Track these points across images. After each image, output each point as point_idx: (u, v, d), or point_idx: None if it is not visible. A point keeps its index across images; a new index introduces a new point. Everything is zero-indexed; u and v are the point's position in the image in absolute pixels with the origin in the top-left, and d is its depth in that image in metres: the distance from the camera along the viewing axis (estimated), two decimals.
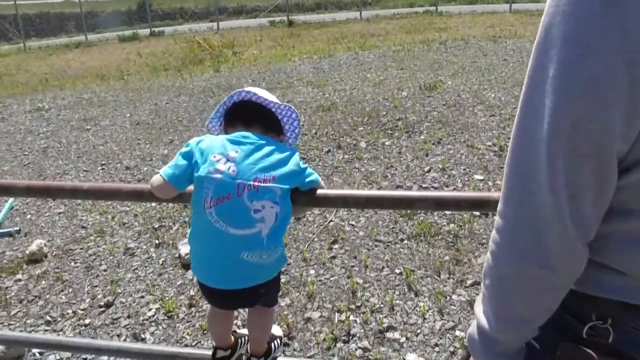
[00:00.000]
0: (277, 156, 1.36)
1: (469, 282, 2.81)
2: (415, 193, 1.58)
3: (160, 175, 1.36)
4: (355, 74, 8.29)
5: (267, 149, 1.36)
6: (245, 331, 1.80)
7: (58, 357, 2.49)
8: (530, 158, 0.67)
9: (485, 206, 1.48)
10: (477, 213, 3.45)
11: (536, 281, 0.71)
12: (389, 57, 9.45)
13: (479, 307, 0.83)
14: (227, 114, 1.51)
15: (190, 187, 1.38)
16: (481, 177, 4.06)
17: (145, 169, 5.02)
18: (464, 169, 4.25)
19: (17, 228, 3.95)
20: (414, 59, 8.95)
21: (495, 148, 4.58)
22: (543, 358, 0.83)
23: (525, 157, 0.68)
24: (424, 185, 4.06)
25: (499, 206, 0.74)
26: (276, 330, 1.91)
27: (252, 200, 1.29)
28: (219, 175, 1.30)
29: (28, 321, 2.83)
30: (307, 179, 1.40)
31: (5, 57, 16.86)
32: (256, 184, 1.29)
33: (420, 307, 2.63)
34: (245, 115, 1.48)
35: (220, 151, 1.34)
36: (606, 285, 0.74)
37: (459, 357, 2.28)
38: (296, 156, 1.41)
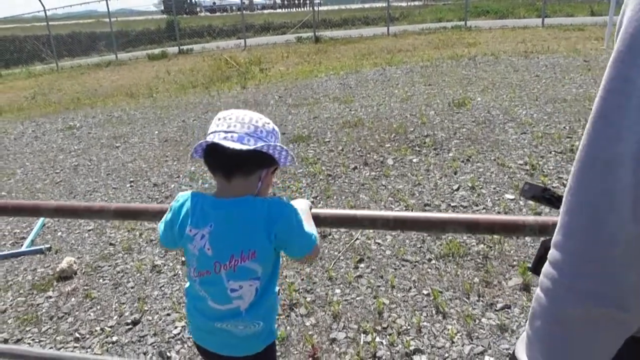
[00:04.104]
0: (258, 226, 1.20)
1: (499, 305, 2.72)
2: (445, 215, 1.53)
3: (159, 229, 1.37)
4: (382, 89, 8.27)
5: (245, 220, 1.21)
6: None
7: None
8: (606, 184, 0.59)
9: (519, 231, 1.43)
10: None
11: (604, 324, 0.63)
12: (417, 72, 9.41)
13: (522, 353, 0.75)
14: (205, 160, 1.30)
15: None
16: (512, 197, 3.96)
17: (173, 185, 5.08)
18: (494, 188, 4.16)
19: (48, 245, 4.03)
20: (442, 75, 8.89)
21: (527, 167, 4.48)
22: None
23: (598, 182, 0.60)
24: (452, 204, 3.99)
25: (557, 237, 0.67)
26: None
27: (229, 280, 1.22)
28: (196, 252, 1.24)
29: (58, 338, 2.86)
30: (299, 245, 1.25)
31: (38, 77, 17.46)
32: (232, 263, 1.21)
33: (449, 330, 2.56)
34: (222, 167, 1.25)
35: (195, 224, 1.24)
36: None
37: None
38: (288, 216, 1.23)
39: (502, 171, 4.44)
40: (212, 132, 1.23)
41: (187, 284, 1.35)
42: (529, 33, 14.35)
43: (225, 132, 1.21)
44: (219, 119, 1.24)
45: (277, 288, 1.36)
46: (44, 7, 20.66)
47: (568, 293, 0.65)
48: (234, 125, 1.21)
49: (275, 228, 1.21)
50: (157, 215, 1.78)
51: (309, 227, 1.30)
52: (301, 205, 1.45)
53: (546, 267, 0.68)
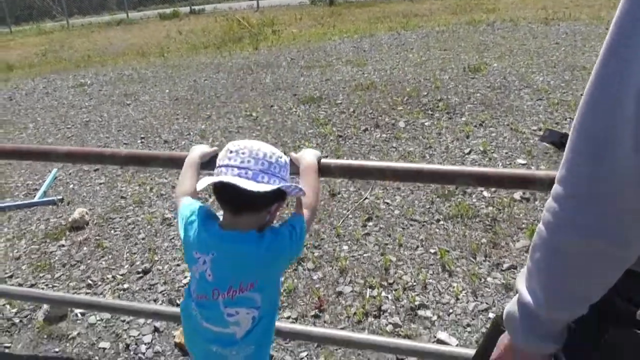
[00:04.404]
0: (259, 261, 1.20)
1: (505, 265, 2.73)
2: (456, 167, 1.53)
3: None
4: (397, 54, 8.14)
5: (246, 256, 1.19)
6: None
7: (98, 318, 2.57)
8: (610, 118, 0.59)
9: (529, 184, 1.42)
10: (517, 197, 3.35)
11: (602, 257, 0.65)
12: (433, 37, 9.23)
13: (522, 284, 0.77)
14: (214, 192, 1.24)
15: None
16: (524, 162, 3.93)
17: (183, 142, 5.09)
18: (506, 153, 4.12)
19: (61, 197, 4.08)
20: (459, 40, 8.71)
21: (541, 133, 4.43)
22: (584, 340, 0.78)
23: (603, 117, 0.60)
24: None
25: (560, 172, 0.67)
26: None
27: (227, 307, 1.21)
28: (197, 275, 1.24)
29: (70, 284, 2.93)
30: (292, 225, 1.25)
31: (49, 34, 17.37)
32: (230, 293, 1.20)
33: (454, 287, 2.59)
34: (231, 203, 1.21)
35: (199, 249, 1.23)
36: None
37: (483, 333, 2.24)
38: (287, 249, 1.22)
39: (515, 136, 4.40)
40: (223, 166, 1.17)
41: (184, 300, 1.34)
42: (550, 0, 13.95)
43: (239, 168, 1.15)
44: (231, 152, 1.18)
45: (276, 316, 1.34)
46: None
47: (568, 226, 0.66)
48: (247, 161, 1.16)
49: (276, 262, 1.24)
50: (167, 162, 1.79)
51: (308, 199, 1.32)
52: (309, 156, 1.44)
53: (549, 202, 0.69)
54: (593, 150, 0.62)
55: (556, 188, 0.68)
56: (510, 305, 0.79)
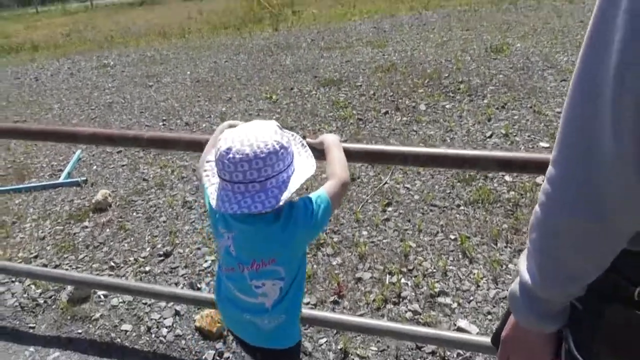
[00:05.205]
0: (276, 239, 1.20)
1: None
2: (478, 152, 1.50)
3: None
4: (417, 34, 8.00)
5: (263, 234, 1.19)
6: None
7: (121, 300, 2.62)
8: (592, 104, 0.61)
9: None
10: (540, 181, 3.29)
11: (591, 235, 0.66)
12: (454, 17, 9.04)
13: (523, 264, 0.79)
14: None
15: None
16: (547, 145, 3.86)
17: (204, 125, 5.11)
18: (529, 136, 4.05)
19: (84, 178, 4.15)
20: (481, 20, 8.52)
21: None
22: (587, 320, 0.79)
23: (586, 102, 0.62)
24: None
25: (553, 153, 0.69)
26: None
27: (252, 279, 1.23)
28: (222, 249, 1.27)
29: (94, 265, 2.99)
30: (317, 202, 1.22)
31: (74, 14, 17.50)
32: (254, 267, 1.22)
33: (475, 274, 2.57)
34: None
35: (223, 226, 1.24)
36: None
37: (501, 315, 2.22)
38: (306, 222, 1.20)
39: (538, 119, 4.31)
40: (226, 181, 1.13)
41: (217, 270, 1.38)
42: None
43: (244, 182, 1.11)
44: (226, 165, 1.11)
45: (304, 287, 1.36)
46: None
47: (558, 206, 0.68)
48: (250, 174, 1.10)
49: (293, 238, 1.22)
50: (189, 145, 1.80)
51: (334, 178, 1.30)
52: (330, 136, 1.44)
53: (544, 183, 0.71)
54: (577, 134, 0.65)
55: (549, 170, 0.70)
56: (513, 286, 0.82)
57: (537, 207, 0.73)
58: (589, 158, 0.63)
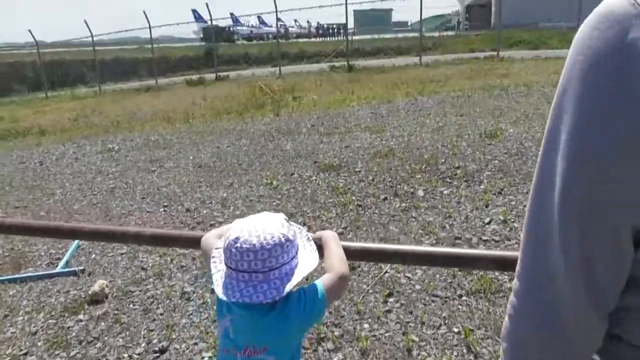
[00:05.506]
0: (269, 328, 1.20)
1: None
2: (476, 251, 1.51)
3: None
4: (414, 119, 8.26)
5: (257, 322, 1.20)
6: None
7: None
8: (545, 221, 0.64)
9: None
10: None
11: (553, 350, 0.68)
12: (449, 103, 9.38)
13: None
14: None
15: None
16: None
17: (205, 212, 5.15)
18: None
19: (82, 267, 4.12)
20: (474, 105, 8.84)
21: None
22: None
23: (540, 219, 0.66)
24: (483, 238, 3.91)
25: (517, 268, 0.72)
26: None
27: None
28: (222, 330, 1.28)
29: None
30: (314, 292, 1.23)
31: (82, 99, 18.17)
32: (247, 353, 1.22)
33: None
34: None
35: (225, 307, 1.26)
36: None
37: None
38: (290, 312, 1.20)
39: None
40: (232, 269, 1.17)
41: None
42: (562, 64, 14.10)
43: (248, 272, 1.15)
44: (233, 254, 1.15)
45: None
46: (91, 33, 21.73)
47: (524, 319, 0.70)
48: (255, 264, 1.14)
49: (287, 330, 1.21)
50: (190, 242, 1.81)
51: (333, 268, 1.30)
52: (328, 232, 1.46)
53: (511, 295, 0.73)
54: (532, 248, 0.68)
55: (514, 281, 0.72)
56: None
57: (506, 318, 0.75)
58: (543, 273, 0.66)
